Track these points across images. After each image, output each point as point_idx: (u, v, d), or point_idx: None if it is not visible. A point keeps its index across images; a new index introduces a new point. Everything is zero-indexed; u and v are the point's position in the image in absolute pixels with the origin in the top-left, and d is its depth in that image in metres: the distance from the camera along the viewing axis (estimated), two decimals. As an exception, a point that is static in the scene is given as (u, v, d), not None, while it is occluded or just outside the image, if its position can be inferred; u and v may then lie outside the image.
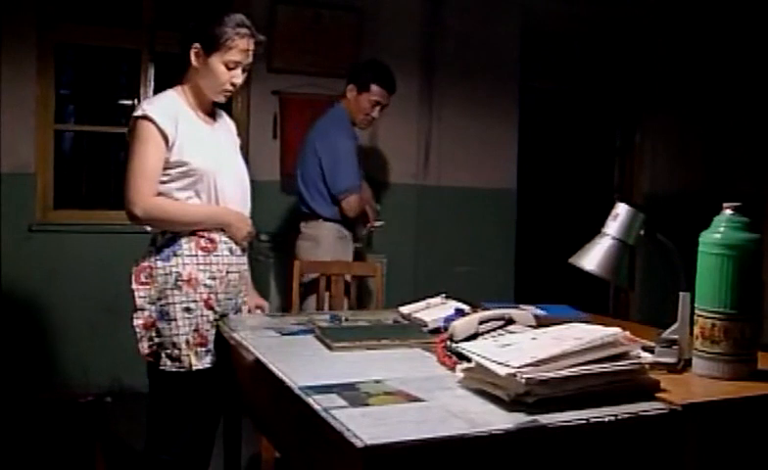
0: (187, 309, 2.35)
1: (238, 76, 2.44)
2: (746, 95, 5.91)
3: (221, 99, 2.50)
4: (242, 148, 2.70)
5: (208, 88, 2.45)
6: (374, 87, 3.71)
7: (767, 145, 5.75)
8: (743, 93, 5.91)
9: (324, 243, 3.71)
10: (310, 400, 1.56)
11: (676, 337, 1.87)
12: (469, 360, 1.67)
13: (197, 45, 2.41)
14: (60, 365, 4.46)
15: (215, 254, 2.43)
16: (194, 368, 2.34)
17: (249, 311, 2.60)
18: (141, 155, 2.36)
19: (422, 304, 2.57)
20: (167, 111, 2.40)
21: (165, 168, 2.38)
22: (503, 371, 1.52)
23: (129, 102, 5.29)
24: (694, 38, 5.81)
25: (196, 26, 2.43)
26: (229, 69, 2.41)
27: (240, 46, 2.39)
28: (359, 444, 1.31)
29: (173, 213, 2.39)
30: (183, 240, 2.40)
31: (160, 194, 2.39)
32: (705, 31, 5.80)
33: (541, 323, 2.05)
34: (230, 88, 2.45)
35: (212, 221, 2.43)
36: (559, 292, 3.34)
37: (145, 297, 2.39)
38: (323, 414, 1.47)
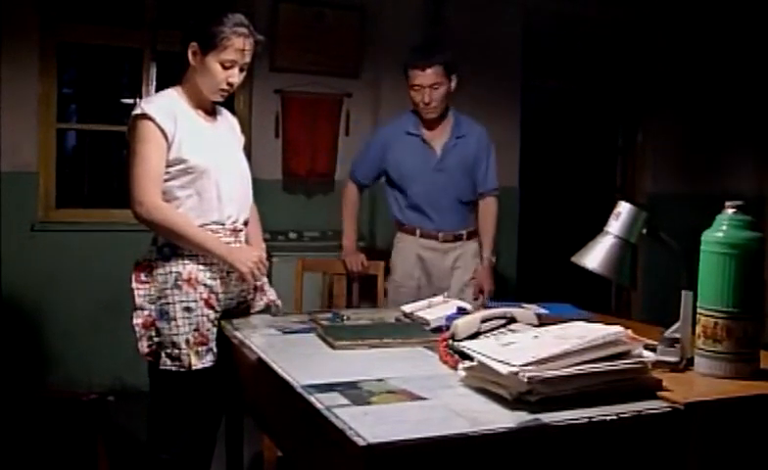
0: (187, 309, 2.35)
1: (234, 76, 2.43)
2: (748, 95, 5.90)
3: (219, 98, 2.50)
4: (244, 147, 2.70)
5: (205, 87, 2.45)
6: (408, 71, 3.35)
7: (769, 144, 5.76)
8: (744, 93, 5.90)
9: (398, 255, 3.48)
10: (312, 399, 1.56)
11: (678, 336, 1.87)
12: (471, 359, 1.67)
13: (194, 44, 2.41)
14: (62, 364, 4.46)
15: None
16: (194, 368, 2.33)
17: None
18: (144, 155, 2.36)
19: (424, 302, 2.57)
20: (165, 109, 2.39)
21: (165, 166, 2.38)
22: (504, 370, 1.53)
23: (132, 101, 5.30)
24: (695, 38, 5.80)
25: (194, 25, 2.44)
26: (225, 68, 2.40)
27: (236, 45, 2.39)
28: (361, 442, 1.32)
29: (176, 226, 2.35)
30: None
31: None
32: (707, 31, 5.79)
33: (543, 322, 2.05)
34: (226, 88, 2.44)
35: (210, 251, 2.39)
36: (561, 290, 3.33)
37: (145, 296, 2.39)
38: (325, 413, 1.47)
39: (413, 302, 2.67)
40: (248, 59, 2.45)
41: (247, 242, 2.57)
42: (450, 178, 3.40)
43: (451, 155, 3.41)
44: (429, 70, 3.27)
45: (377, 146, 3.50)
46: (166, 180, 2.38)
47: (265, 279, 2.63)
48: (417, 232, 3.42)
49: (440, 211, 3.40)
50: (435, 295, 3.15)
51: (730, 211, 1.84)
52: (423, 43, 3.40)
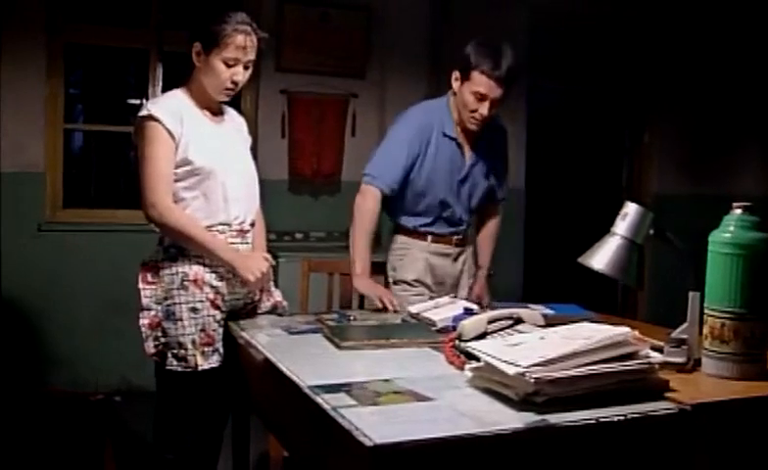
0: (193, 310, 2.35)
1: (239, 74, 2.43)
2: (755, 95, 5.88)
3: (224, 98, 2.49)
4: (251, 147, 2.69)
5: (210, 87, 2.44)
6: (475, 74, 2.84)
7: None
8: (751, 93, 5.88)
9: (404, 263, 3.05)
10: (319, 399, 1.56)
11: (685, 336, 1.87)
12: (478, 360, 1.67)
13: (197, 44, 2.41)
14: (68, 364, 4.47)
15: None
16: (200, 368, 2.34)
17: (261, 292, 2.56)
18: (152, 156, 2.36)
19: (431, 303, 2.56)
20: (172, 110, 2.40)
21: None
22: (511, 370, 1.52)
23: (138, 101, 5.32)
24: (702, 38, 5.78)
25: (197, 25, 2.44)
26: (229, 66, 2.40)
27: (237, 42, 2.38)
28: (368, 442, 1.32)
29: (186, 229, 2.35)
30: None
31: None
32: (714, 31, 5.77)
33: (549, 322, 2.05)
34: (231, 87, 2.43)
35: (218, 257, 2.38)
36: (568, 291, 3.32)
37: (151, 296, 2.40)
38: (332, 413, 1.48)
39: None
40: (251, 56, 2.44)
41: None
42: (474, 185, 3.09)
43: (479, 164, 3.07)
44: (503, 89, 2.85)
45: (416, 144, 2.96)
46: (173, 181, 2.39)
47: (271, 281, 2.64)
48: (429, 238, 3.04)
49: (455, 215, 3.07)
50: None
51: (737, 211, 1.84)
52: (501, 50, 2.85)
